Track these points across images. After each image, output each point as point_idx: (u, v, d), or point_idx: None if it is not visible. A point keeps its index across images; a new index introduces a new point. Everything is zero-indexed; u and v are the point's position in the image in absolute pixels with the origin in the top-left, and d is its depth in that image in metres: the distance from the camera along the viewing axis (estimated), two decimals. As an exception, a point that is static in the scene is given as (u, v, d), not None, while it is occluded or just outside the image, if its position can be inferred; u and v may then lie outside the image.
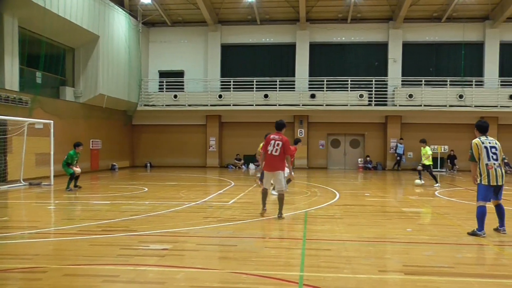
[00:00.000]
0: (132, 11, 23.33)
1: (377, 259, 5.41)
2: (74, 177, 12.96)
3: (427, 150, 15.10)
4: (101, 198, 11.66)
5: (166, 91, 24.44)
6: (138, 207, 9.55)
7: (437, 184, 14.91)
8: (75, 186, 13.21)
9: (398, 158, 23.52)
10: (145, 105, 24.29)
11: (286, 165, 8.47)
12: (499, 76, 23.62)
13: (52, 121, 14.76)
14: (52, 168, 14.39)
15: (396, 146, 23.72)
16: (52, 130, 14.48)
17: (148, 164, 25.09)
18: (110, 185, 14.60)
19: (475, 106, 22.52)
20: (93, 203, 10.57)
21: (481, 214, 6.64)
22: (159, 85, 25.15)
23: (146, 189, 13.34)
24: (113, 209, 9.48)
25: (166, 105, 24.06)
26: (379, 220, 8.30)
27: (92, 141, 20.50)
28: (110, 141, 22.18)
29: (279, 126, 8.36)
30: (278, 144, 8.14)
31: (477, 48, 24.21)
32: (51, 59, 17.06)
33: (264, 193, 8.65)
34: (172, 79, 24.70)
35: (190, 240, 6.40)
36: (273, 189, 9.67)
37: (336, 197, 11.61)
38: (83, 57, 19.67)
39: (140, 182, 16.07)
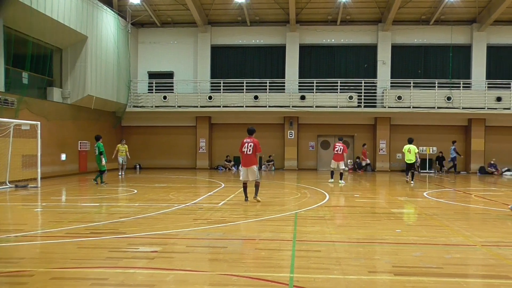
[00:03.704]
0: (121, 12, 23.17)
1: (367, 260, 5.42)
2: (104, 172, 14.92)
3: (415, 148, 16.00)
4: (89, 200, 11.54)
5: (155, 92, 24.31)
6: (127, 209, 9.47)
7: (411, 182, 15.92)
8: (102, 182, 14.83)
9: (452, 162, 23.29)
10: (134, 107, 24.14)
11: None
12: (486, 79, 23.94)
13: (39, 122, 14.59)
14: (39, 170, 14.23)
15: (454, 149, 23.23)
16: (39, 132, 14.32)
17: (138, 166, 24.92)
18: (99, 187, 14.47)
19: (463, 108, 22.79)
20: (82, 205, 10.46)
21: None
22: (149, 86, 25.01)
23: (136, 191, 13.24)
24: (102, 211, 9.39)
25: (156, 107, 23.94)
26: (369, 221, 8.34)
27: (80, 143, 20.31)
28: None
29: (250, 132, 10.74)
30: (250, 145, 10.40)
31: (465, 51, 24.52)
32: (38, 60, 16.87)
33: (245, 186, 10.66)
34: (162, 80, 24.59)
35: (179, 242, 6.35)
36: None
37: (326, 198, 11.64)
38: (71, 58, 19.47)
39: (130, 184, 15.96)
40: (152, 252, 5.69)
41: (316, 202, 10.68)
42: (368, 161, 23.92)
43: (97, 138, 15.12)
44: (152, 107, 24.00)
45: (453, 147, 23.22)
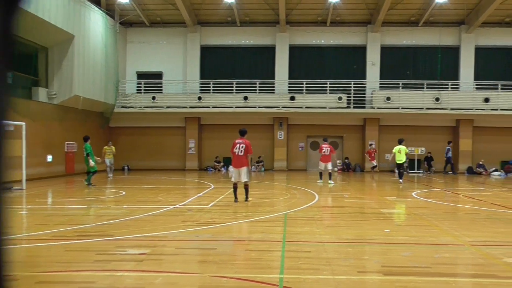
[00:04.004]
0: (109, 11, 22.97)
1: (356, 260, 5.42)
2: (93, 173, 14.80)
3: (406, 149, 16.58)
4: (76, 202, 11.39)
5: (144, 92, 24.14)
6: (115, 211, 9.36)
7: (400, 180, 16.43)
8: (89, 183, 14.64)
9: (449, 162, 23.48)
10: (122, 107, 23.93)
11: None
12: (474, 80, 24.22)
13: (24, 123, 14.32)
14: (24, 172, 13.97)
15: (448, 150, 23.42)
16: (23, 133, 14.08)
17: (126, 167, 24.70)
18: (86, 188, 14.30)
19: (451, 108, 23.02)
20: (68, 208, 10.31)
21: None
22: (137, 87, 24.83)
23: (124, 192, 13.11)
24: (90, 214, 9.28)
25: (144, 107, 23.77)
26: (358, 221, 8.35)
27: (67, 144, 20.05)
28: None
29: (242, 133, 10.83)
30: (242, 146, 10.46)
31: (453, 52, 24.78)
32: (22, 58, 16.61)
33: (235, 187, 10.65)
34: (151, 80, 24.43)
35: (168, 244, 6.29)
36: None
37: (315, 199, 11.65)
38: (57, 57, 19.19)
39: (118, 185, 15.81)
40: (140, 254, 5.62)
41: (306, 203, 10.68)
42: (375, 163, 21.38)
43: (85, 139, 14.96)
44: (140, 107, 23.82)
45: (448, 147, 23.46)
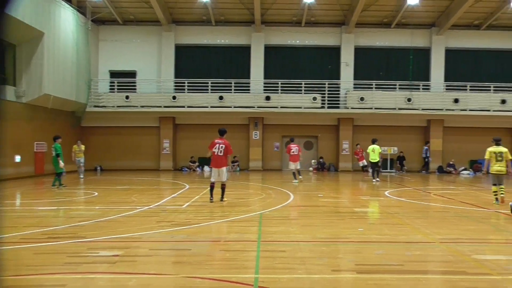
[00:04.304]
0: (81, 8, 22.44)
1: (330, 259, 5.49)
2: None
3: (379, 148, 17.20)
4: (46, 203, 11.07)
5: (117, 91, 23.71)
6: (87, 213, 9.16)
7: (375, 180, 16.96)
8: (60, 184, 14.15)
9: (426, 160, 24.06)
10: (95, 106, 23.44)
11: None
12: (445, 81, 24.87)
13: (-12, 123, 13.84)
14: (-11, 172, 13.50)
15: (426, 150, 24.04)
16: (-11, 132, 13.60)
17: (99, 168, 24.21)
18: (58, 190, 13.93)
19: (423, 109, 23.56)
20: (38, 209, 10.02)
21: None
22: (110, 86, 24.37)
23: (96, 193, 12.84)
24: (60, 215, 9.05)
25: (118, 106, 23.34)
26: (332, 220, 8.45)
27: (36, 144, 19.45)
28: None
29: (222, 132, 10.78)
30: (222, 147, 10.44)
31: (424, 54, 25.39)
32: (-14, 56, 16.02)
33: (212, 186, 10.59)
34: (124, 79, 24.01)
35: (142, 245, 6.21)
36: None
37: (291, 198, 11.72)
38: (25, 54, 18.59)
39: (90, 186, 15.47)
40: (113, 256, 5.53)
41: (281, 203, 10.73)
42: (365, 162, 20.44)
43: (55, 139, 14.51)
44: (113, 107, 23.38)
45: (426, 147, 24.02)
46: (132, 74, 24.87)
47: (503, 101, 23.50)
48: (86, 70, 22.81)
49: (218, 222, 8.10)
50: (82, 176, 18.24)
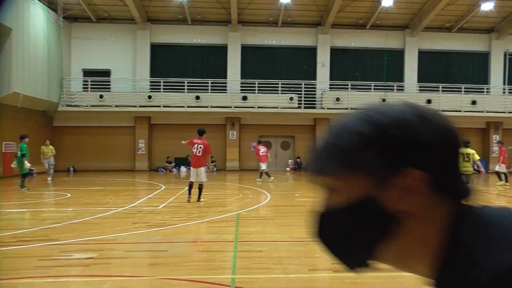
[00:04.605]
0: (51, 4, 21.81)
1: (307, 259, 5.51)
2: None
3: None
4: (16, 205, 10.74)
5: (91, 91, 23.19)
6: (59, 215, 8.93)
7: None
8: (23, 186, 13.46)
9: None
10: (67, 106, 22.88)
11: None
12: (418, 82, 25.41)
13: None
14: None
15: None
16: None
17: (71, 169, 23.65)
18: (27, 191, 13.52)
19: (396, 109, 23.93)
20: (7, 212, 9.69)
21: None
22: (83, 85, 23.82)
23: (69, 195, 12.54)
24: (31, 218, 8.79)
25: (91, 106, 22.85)
26: (309, 220, 8.50)
27: (4, 144, 18.81)
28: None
29: (200, 132, 10.84)
30: (200, 147, 10.50)
31: (398, 55, 25.87)
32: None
33: (191, 186, 10.66)
34: (98, 78, 23.51)
35: (117, 247, 6.09)
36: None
37: (268, 198, 11.74)
38: (-8, 52, 17.99)
39: (62, 187, 15.08)
40: (87, 258, 5.40)
41: (258, 202, 10.74)
42: None
43: (21, 138, 13.94)
44: (87, 106, 22.88)
45: None
46: (106, 73, 24.40)
47: (474, 102, 24.19)
48: (58, 68, 22.21)
49: (195, 222, 8.03)
50: (50, 179, 17.20)
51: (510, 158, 25.85)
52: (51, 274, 4.74)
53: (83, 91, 23.48)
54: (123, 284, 4.47)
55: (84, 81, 23.79)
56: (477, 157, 11.63)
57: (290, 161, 25.38)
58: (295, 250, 5.90)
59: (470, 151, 11.49)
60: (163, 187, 14.88)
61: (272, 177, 17.22)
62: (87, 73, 24.28)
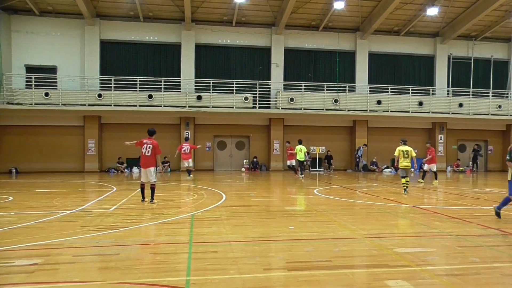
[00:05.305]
0: (-11, -6, 20.59)
1: (262, 258, 5.52)
2: None
3: (305, 148, 19.21)
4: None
5: (35, 88, 22.00)
6: (0, 219, 8.40)
7: (301, 176, 18.90)
8: None
9: (357, 160, 25.04)
10: (8, 103, 21.58)
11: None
12: (368, 83, 26.26)
13: None
14: None
15: (359, 149, 25.08)
16: None
17: (14, 170, 22.38)
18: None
19: (349, 110, 24.65)
20: None
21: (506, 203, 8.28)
22: (26, 82, 22.55)
23: (11, 198, 11.85)
24: (-31, 223, 8.21)
25: (36, 104, 21.69)
26: (264, 219, 8.54)
27: None
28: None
29: (150, 133, 10.91)
30: (149, 147, 10.55)
31: (350, 57, 26.61)
32: None
33: (142, 187, 10.75)
34: (43, 75, 22.37)
35: (65, 252, 5.81)
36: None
37: (223, 198, 11.68)
38: None
39: (3, 190, 14.22)
40: (31, 265, 5.11)
41: (213, 203, 10.65)
42: (294, 162, 20.43)
43: None
44: (31, 104, 21.70)
45: (362, 148, 25.22)
46: (52, 70, 23.30)
47: (420, 103, 25.34)
48: (-2, 64, 20.95)
49: (148, 224, 7.84)
50: None
51: (450, 157, 27.40)
52: (-9, 283, 4.44)
53: (26, 88, 22.26)
54: (70, 291, 4.27)
55: (27, 78, 22.54)
56: (413, 154, 13.02)
57: (245, 161, 25.44)
58: (250, 250, 5.90)
59: (409, 148, 12.96)
60: (115, 189, 14.42)
61: (191, 176, 18.40)
62: (30, 69, 23.02)
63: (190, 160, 18.53)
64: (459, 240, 6.67)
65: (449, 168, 26.75)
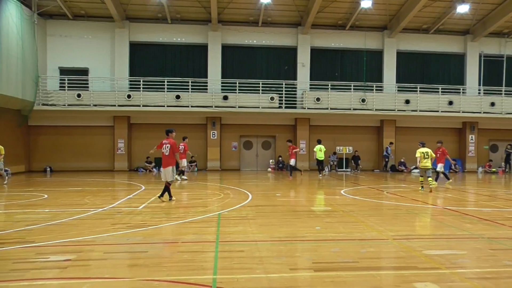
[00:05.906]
0: (26, 0, 21.31)
1: (288, 258, 5.53)
2: None
3: (324, 147, 20.18)
4: (-9, 207, 10.46)
5: (68, 89, 22.73)
6: (35, 216, 8.72)
7: (321, 174, 20.06)
8: None
9: (387, 160, 24.81)
10: (43, 105, 22.36)
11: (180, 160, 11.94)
12: (396, 82, 25.81)
13: None
14: None
15: (387, 149, 24.86)
16: None
17: (48, 169, 23.17)
18: (1, 192, 13.17)
19: (376, 109, 24.31)
20: (-18, 213, 9.43)
21: None
22: (60, 83, 23.31)
23: (46, 195, 12.27)
24: (5, 219, 8.55)
25: (69, 105, 22.41)
26: (290, 219, 8.53)
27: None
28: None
29: (167, 132, 11.51)
30: (167, 146, 11.02)
31: (377, 56, 26.22)
32: None
33: (167, 186, 10.94)
34: (75, 77, 23.07)
35: (96, 248, 5.99)
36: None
37: (249, 198, 11.73)
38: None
39: (39, 188, 14.75)
40: (65, 260, 5.29)
41: (239, 202, 10.72)
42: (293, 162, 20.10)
43: None
44: (64, 105, 22.43)
45: (389, 147, 24.79)
46: (84, 72, 23.98)
47: (450, 103, 24.72)
48: (33, 66, 21.70)
49: (176, 223, 7.96)
50: (6, 182, 15.82)
51: (482, 157, 26.59)
52: (27, 277, 4.63)
53: (60, 89, 22.99)
54: (101, 286, 4.40)
55: (60, 80, 23.28)
56: (433, 155, 13.95)
57: (271, 160, 25.45)
58: (276, 250, 5.91)
59: (429, 150, 13.83)
60: (143, 188, 14.71)
61: (182, 177, 17.77)
62: (63, 71, 23.79)
63: (184, 160, 17.20)
64: (491, 242, 6.49)
65: (480, 169, 25.96)
